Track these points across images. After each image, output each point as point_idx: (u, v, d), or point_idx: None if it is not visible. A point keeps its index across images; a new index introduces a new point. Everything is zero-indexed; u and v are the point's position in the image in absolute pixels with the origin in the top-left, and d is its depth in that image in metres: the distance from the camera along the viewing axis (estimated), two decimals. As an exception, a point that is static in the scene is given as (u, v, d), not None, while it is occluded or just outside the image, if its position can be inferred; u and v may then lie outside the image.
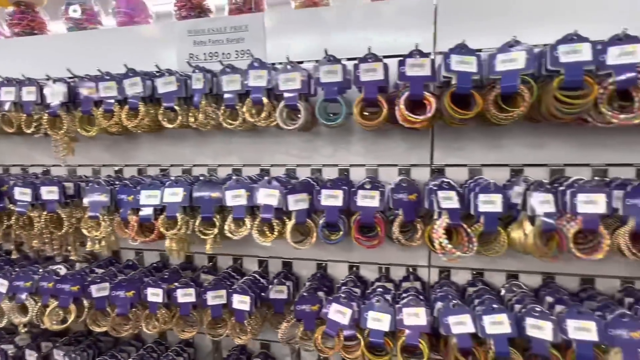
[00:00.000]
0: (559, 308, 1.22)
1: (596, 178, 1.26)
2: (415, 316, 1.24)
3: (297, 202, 1.30)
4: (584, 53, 0.99)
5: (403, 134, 1.44)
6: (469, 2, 1.30)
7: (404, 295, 1.32)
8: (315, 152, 1.53)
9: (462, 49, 1.08)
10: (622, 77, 0.97)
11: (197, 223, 1.36)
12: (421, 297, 1.31)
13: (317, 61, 1.26)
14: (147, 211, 1.37)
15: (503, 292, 1.38)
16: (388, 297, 1.34)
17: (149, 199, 1.39)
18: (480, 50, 1.14)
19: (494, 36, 1.19)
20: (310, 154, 1.54)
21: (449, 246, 1.11)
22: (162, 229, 1.35)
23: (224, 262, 1.73)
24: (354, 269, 1.58)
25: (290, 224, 1.29)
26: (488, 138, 1.38)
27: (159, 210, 1.39)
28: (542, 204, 1.10)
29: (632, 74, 0.96)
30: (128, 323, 1.54)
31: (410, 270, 1.52)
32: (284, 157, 1.57)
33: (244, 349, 1.75)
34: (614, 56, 0.99)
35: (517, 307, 1.24)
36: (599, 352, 1.11)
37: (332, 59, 1.23)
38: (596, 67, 1.00)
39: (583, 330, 1.13)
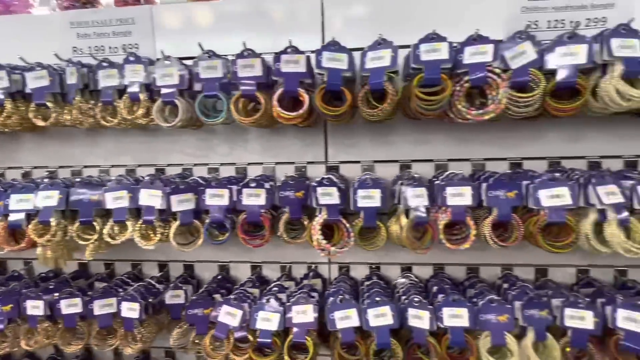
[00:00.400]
0: (440, 297, 1.27)
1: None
2: (303, 314, 1.24)
3: (182, 203, 1.25)
4: (442, 52, 1.04)
5: (298, 131, 1.43)
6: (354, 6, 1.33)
7: (295, 293, 1.31)
8: (212, 150, 1.49)
9: (333, 46, 1.09)
10: (476, 76, 1.02)
11: (74, 227, 1.26)
12: (314, 294, 1.32)
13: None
14: (16, 217, 1.26)
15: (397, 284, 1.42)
16: (282, 296, 1.33)
17: (19, 203, 1.27)
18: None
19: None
20: (207, 153, 1.49)
21: (323, 242, 1.12)
22: (33, 236, 1.24)
23: (122, 268, 1.63)
24: (257, 269, 1.56)
25: (174, 226, 1.24)
26: (378, 135, 1.41)
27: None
28: (415, 197, 1.14)
29: (483, 73, 1.01)
30: (6, 340, 1.41)
31: (313, 267, 1.52)
32: (180, 157, 1.51)
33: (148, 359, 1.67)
34: (469, 55, 1.04)
35: (403, 298, 1.28)
36: (468, 337, 1.17)
37: (211, 55, 1.19)
38: (453, 65, 1.05)
39: (456, 317, 1.18)
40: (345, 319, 1.21)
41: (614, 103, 0.98)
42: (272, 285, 1.40)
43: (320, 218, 1.14)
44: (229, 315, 1.27)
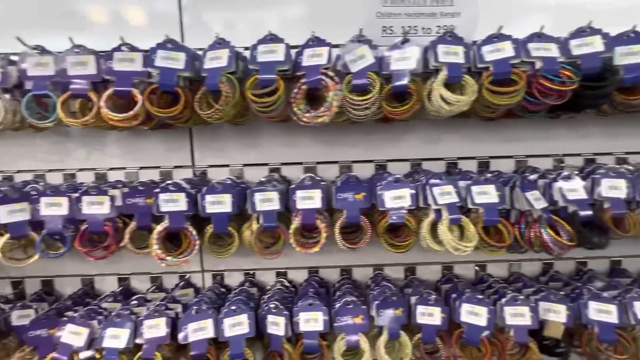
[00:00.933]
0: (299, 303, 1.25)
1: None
2: (155, 328, 1.16)
3: (13, 213, 1.13)
4: (279, 53, 1.02)
5: (161, 134, 1.36)
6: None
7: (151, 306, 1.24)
8: (67, 155, 1.37)
9: (168, 43, 1.04)
10: (311, 78, 1.01)
11: None
12: (173, 306, 1.25)
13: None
14: None
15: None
16: (141, 309, 1.25)
17: None
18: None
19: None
20: (62, 158, 1.37)
21: (158, 251, 1.06)
22: None
23: (-30, 288, 1.45)
24: (126, 281, 1.45)
25: (3, 239, 1.11)
26: (246, 138, 1.37)
27: None
28: (262, 202, 1.12)
29: (318, 76, 1.01)
30: None
31: (186, 277, 1.45)
32: (31, 163, 1.37)
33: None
34: (307, 58, 1.03)
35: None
36: (321, 340, 1.16)
37: (41, 51, 1.09)
38: (291, 67, 1.03)
39: (312, 321, 1.17)
40: (199, 330, 1.16)
41: (440, 107, 1.02)
42: (134, 298, 1.31)
43: (161, 226, 1.08)
44: (73, 334, 1.17)
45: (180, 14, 1.27)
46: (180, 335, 1.14)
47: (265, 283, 1.45)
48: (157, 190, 1.09)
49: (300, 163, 1.39)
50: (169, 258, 1.05)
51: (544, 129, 1.39)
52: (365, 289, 1.40)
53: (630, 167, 1.21)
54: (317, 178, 1.20)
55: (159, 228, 1.07)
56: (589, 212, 1.09)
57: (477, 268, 1.47)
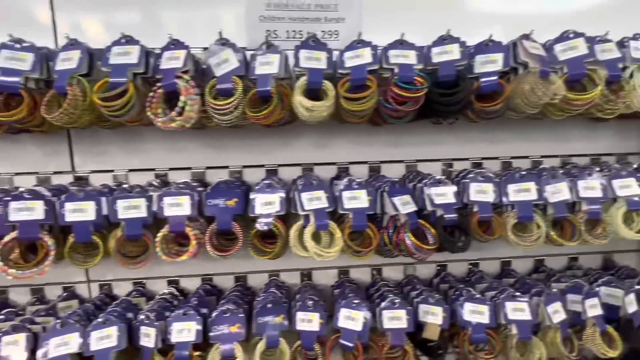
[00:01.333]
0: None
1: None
2: (13, 345, 1.10)
3: None
4: (132, 55, 0.99)
5: (37, 138, 1.29)
6: None
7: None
8: None
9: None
10: (167, 82, 0.98)
11: None
12: (38, 320, 1.18)
13: None
14: None
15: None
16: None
17: None
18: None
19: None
20: None
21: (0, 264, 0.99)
22: None
23: None
24: (3, 294, 1.37)
25: None
26: (130, 142, 1.32)
27: None
28: (126, 210, 1.07)
29: (173, 80, 0.98)
30: None
31: (70, 288, 1.38)
32: None
33: None
34: (165, 61, 1.00)
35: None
36: (192, 352, 1.12)
37: None
38: (145, 69, 1.00)
39: (184, 331, 1.14)
40: (62, 345, 1.10)
41: (301, 113, 1.02)
42: (2, 312, 1.23)
43: (9, 237, 1.01)
44: None
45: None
46: (40, 352, 1.08)
47: (155, 292, 1.41)
48: (8, 198, 1.03)
49: (189, 168, 1.36)
50: (12, 271, 0.99)
51: (434, 134, 1.42)
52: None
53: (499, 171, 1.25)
54: (194, 184, 1.17)
55: (5, 239, 1.00)
56: (453, 216, 1.11)
57: (374, 272, 1.49)
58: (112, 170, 1.33)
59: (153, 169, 1.34)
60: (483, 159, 1.45)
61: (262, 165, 1.38)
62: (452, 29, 1.08)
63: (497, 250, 1.50)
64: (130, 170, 1.34)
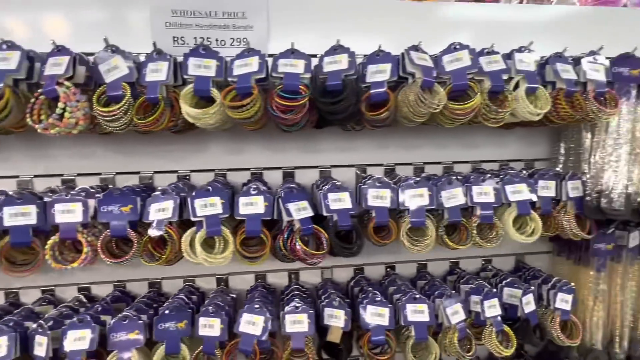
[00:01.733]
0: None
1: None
2: None
3: None
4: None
5: None
6: None
7: None
8: None
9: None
10: (47, 89, 0.98)
11: None
12: None
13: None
14: None
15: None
16: None
17: None
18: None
19: None
20: None
21: None
22: None
23: None
24: None
25: None
26: (35, 148, 1.30)
27: None
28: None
29: (53, 87, 0.97)
30: None
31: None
32: None
33: None
34: (49, 67, 1.00)
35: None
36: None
37: None
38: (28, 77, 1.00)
39: (79, 340, 1.13)
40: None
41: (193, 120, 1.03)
42: None
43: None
44: None
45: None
46: None
47: (64, 299, 1.38)
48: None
49: (99, 174, 1.34)
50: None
51: (348, 140, 1.45)
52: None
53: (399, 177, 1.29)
54: (92, 190, 1.16)
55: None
56: (347, 222, 1.14)
57: (292, 275, 1.50)
58: (17, 176, 1.31)
59: (61, 175, 1.33)
60: (397, 164, 1.49)
61: (176, 171, 1.38)
62: (342, 37, 1.12)
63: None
64: (36, 176, 1.32)
